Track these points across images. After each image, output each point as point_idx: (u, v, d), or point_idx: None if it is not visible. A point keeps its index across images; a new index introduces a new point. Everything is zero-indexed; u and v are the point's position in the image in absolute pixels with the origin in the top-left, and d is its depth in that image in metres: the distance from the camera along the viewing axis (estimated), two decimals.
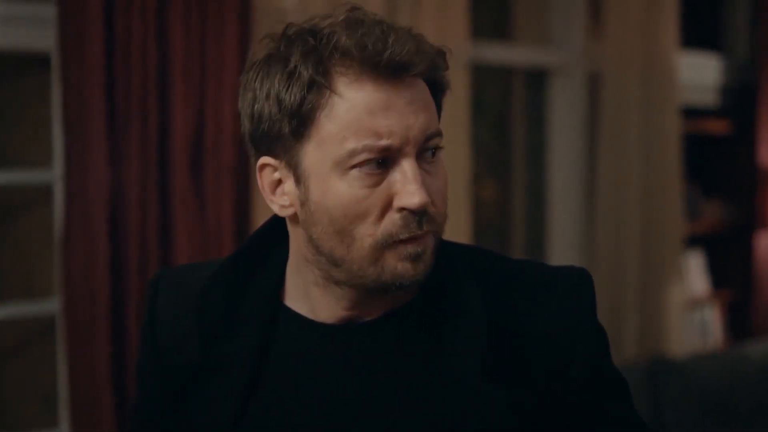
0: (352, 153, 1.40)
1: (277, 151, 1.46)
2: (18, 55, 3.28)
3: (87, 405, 3.04)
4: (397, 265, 1.43)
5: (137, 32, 3.03)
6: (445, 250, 1.53)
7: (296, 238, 1.52)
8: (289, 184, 1.47)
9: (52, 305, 3.24)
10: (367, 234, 1.42)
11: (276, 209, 1.50)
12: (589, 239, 4.98)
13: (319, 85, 1.40)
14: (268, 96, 1.43)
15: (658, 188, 4.98)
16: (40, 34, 3.12)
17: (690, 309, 5.45)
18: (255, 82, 1.45)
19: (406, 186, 1.41)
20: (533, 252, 5.14)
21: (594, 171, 4.93)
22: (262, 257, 1.60)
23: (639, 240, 4.92)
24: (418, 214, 1.42)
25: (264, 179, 1.49)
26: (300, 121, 1.42)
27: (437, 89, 1.49)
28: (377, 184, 1.41)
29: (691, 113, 5.40)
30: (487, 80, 4.92)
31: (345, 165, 1.41)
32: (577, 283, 1.56)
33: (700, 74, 5.58)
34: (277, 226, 1.59)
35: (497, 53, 4.73)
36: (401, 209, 1.42)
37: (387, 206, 1.42)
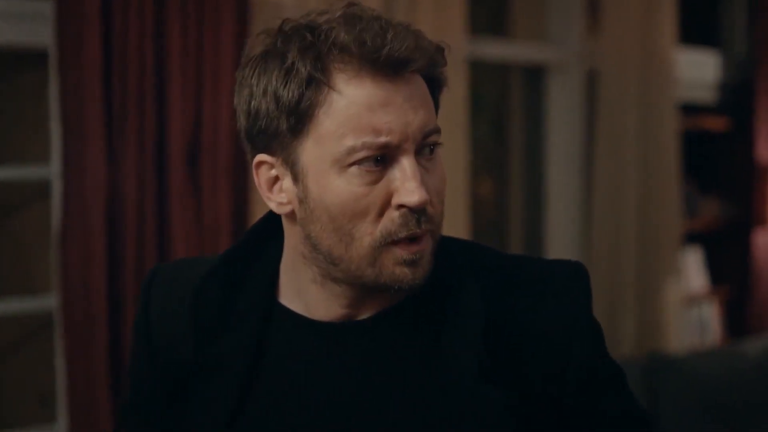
0: (351, 150, 1.39)
1: (274, 148, 1.45)
2: (15, 51, 3.28)
3: (84, 402, 3.04)
4: (395, 269, 1.43)
5: (134, 29, 3.02)
6: (444, 246, 1.52)
7: (293, 235, 1.50)
8: (286, 182, 1.46)
9: (49, 302, 3.23)
10: (367, 233, 1.41)
11: (273, 207, 1.49)
12: (587, 236, 4.98)
13: (318, 82, 1.39)
14: (265, 92, 1.42)
15: (656, 185, 4.98)
16: (37, 31, 3.12)
17: (688, 306, 5.45)
18: (251, 78, 1.44)
19: (406, 183, 1.40)
20: (531, 249, 5.14)
21: (592, 168, 4.92)
22: (257, 253, 1.59)
23: (637, 237, 4.92)
24: (417, 213, 1.41)
25: (261, 176, 1.48)
26: (298, 118, 1.41)
27: (435, 86, 1.48)
28: (376, 181, 1.41)
29: (689, 110, 5.40)
30: (485, 77, 4.92)
31: (344, 162, 1.40)
32: (573, 279, 1.55)
33: (698, 71, 5.58)
34: (273, 221, 1.57)
35: (495, 50, 4.73)
36: (400, 207, 1.41)
37: (386, 204, 1.41)
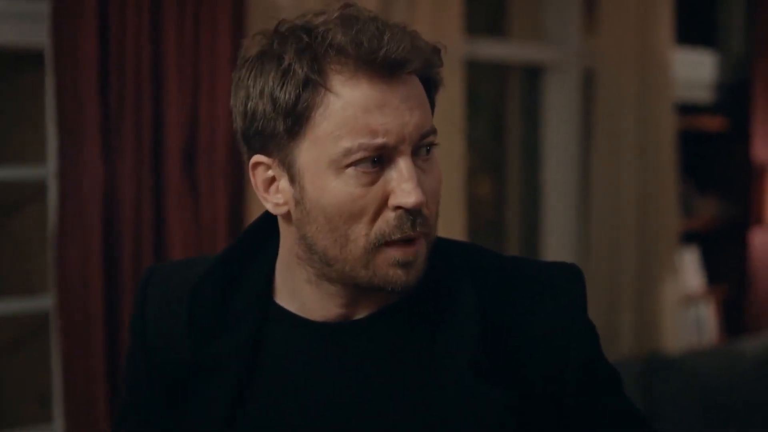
0: (348, 152, 1.39)
1: (271, 150, 1.45)
2: (13, 52, 3.27)
3: (82, 402, 3.03)
4: (388, 270, 1.43)
5: (131, 29, 3.02)
6: (441, 247, 1.53)
7: (288, 235, 1.51)
8: (283, 182, 1.46)
9: (46, 302, 3.23)
10: (362, 234, 1.42)
11: (270, 207, 1.49)
12: (584, 236, 4.98)
13: (315, 83, 1.40)
14: (261, 94, 1.42)
15: (653, 185, 4.98)
16: (35, 31, 3.11)
17: (685, 305, 5.45)
18: (248, 79, 1.44)
19: (402, 185, 1.40)
20: (528, 248, 5.14)
21: (589, 167, 4.93)
22: (253, 253, 1.59)
23: (634, 236, 4.92)
24: (413, 214, 1.41)
25: (257, 177, 1.48)
26: (295, 120, 1.41)
27: (431, 86, 1.48)
28: (373, 182, 1.41)
29: (686, 110, 5.40)
30: (483, 77, 4.92)
31: (340, 164, 1.40)
32: (569, 281, 1.56)
33: (695, 71, 5.58)
34: (270, 220, 1.58)
35: (492, 50, 4.73)
36: (396, 208, 1.41)
37: (382, 205, 1.42)
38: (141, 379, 1.63)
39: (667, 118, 5.01)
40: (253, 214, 3.25)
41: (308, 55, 1.40)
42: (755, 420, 4.80)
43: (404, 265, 1.43)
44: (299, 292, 1.53)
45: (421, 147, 1.43)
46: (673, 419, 4.61)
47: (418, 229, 1.42)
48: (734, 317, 5.82)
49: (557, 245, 5.04)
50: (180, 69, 3.11)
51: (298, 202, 1.45)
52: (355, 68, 1.39)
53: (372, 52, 1.38)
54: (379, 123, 1.39)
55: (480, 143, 4.97)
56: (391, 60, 1.39)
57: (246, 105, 1.44)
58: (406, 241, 1.43)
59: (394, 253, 1.42)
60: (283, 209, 1.48)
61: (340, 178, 1.41)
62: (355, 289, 1.48)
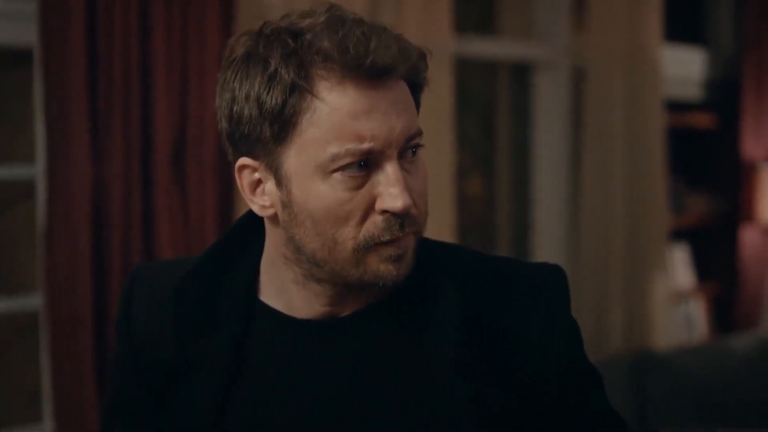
0: (335, 157, 1.40)
1: (257, 153, 1.45)
2: (0, 51, 3.27)
3: (70, 400, 3.03)
4: (379, 266, 1.44)
5: (119, 27, 3.01)
6: (427, 247, 1.53)
7: (275, 236, 1.51)
8: (269, 185, 1.46)
9: (35, 301, 3.22)
10: (349, 237, 1.42)
11: (256, 209, 1.50)
12: (575, 233, 4.99)
13: (301, 90, 1.39)
14: (247, 98, 1.42)
15: (643, 182, 4.99)
16: (22, 30, 3.11)
17: (675, 302, 5.46)
18: (234, 82, 1.43)
19: (390, 189, 1.41)
20: (518, 246, 5.14)
21: (579, 165, 4.93)
22: (239, 251, 1.59)
23: (624, 234, 4.92)
24: (401, 217, 1.42)
25: (243, 179, 1.49)
26: (281, 125, 1.41)
27: (416, 87, 1.48)
28: (360, 186, 1.41)
29: (675, 107, 5.41)
30: (472, 75, 4.91)
31: (327, 168, 1.40)
32: (551, 281, 1.56)
33: (684, 68, 5.59)
34: (255, 218, 1.58)
35: (482, 47, 4.73)
36: (384, 212, 1.42)
37: (369, 209, 1.42)
38: (127, 380, 1.62)
39: (657, 115, 5.02)
40: (242, 212, 3.22)
41: (294, 60, 1.39)
42: (745, 417, 4.80)
43: (396, 259, 1.44)
44: (285, 291, 1.53)
45: (408, 149, 1.44)
46: (663, 416, 4.61)
47: (406, 230, 1.43)
48: (724, 314, 5.83)
49: (547, 242, 5.05)
50: (168, 68, 3.11)
51: (286, 205, 1.45)
52: (342, 74, 1.39)
53: (358, 58, 1.38)
54: (366, 128, 1.39)
55: (470, 141, 4.96)
56: (378, 66, 1.39)
57: (232, 108, 1.44)
58: (395, 240, 1.44)
59: (384, 250, 1.43)
60: (270, 211, 1.48)
61: (327, 183, 1.41)
62: (343, 288, 1.49)
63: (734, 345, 5.16)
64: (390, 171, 1.41)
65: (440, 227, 4.04)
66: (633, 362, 4.64)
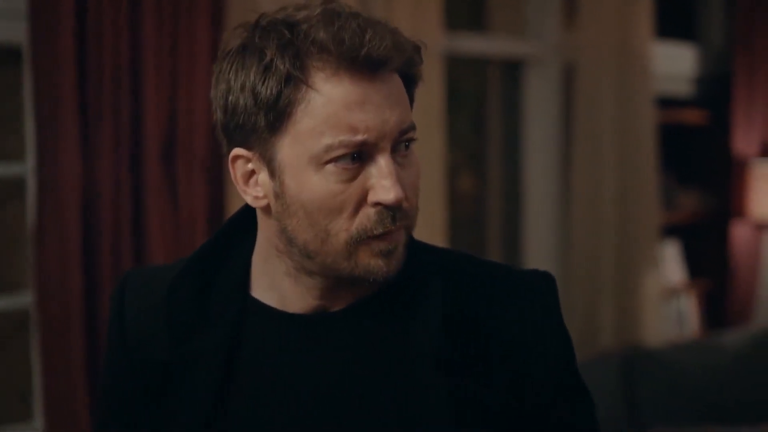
0: (329, 148, 1.40)
1: (251, 143, 1.46)
2: None
3: (61, 399, 3.02)
4: (370, 261, 1.45)
5: (109, 24, 3.01)
6: (418, 247, 1.55)
7: (267, 228, 1.52)
8: (262, 176, 1.47)
9: (26, 299, 3.22)
10: (342, 229, 1.43)
11: (249, 200, 1.50)
12: (565, 230, 4.99)
13: (296, 80, 1.40)
14: (243, 88, 1.42)
15: (634, 178, 4.99)
16: (11, 27, 3.10)
17: (666, 298, 5.46)
18: (229, 72, 1.44)
19: (382, 181, 1.42)
20: (509, 243, 5.14)
21: (570, 161, 4.94)
22: (231, 248, 1.60)
23: (615, 230, 4.93)
24: (393, 210, 1.43)
25: (237, 170, 1.49)
26: (276, 116, 1.41)
27: (410, 82, 1.49)
28: (352, 178, 1.42)
29: (666, 103, 5.41)
30: (463, 72, 4.91)
31: (321, 159, 1.41)
32: (540, 285, 1.57)
33: (675, 64, 5.59)
34: (248, 215, 1.59)
35: (472, 44, 4.73)
36: (376, 204, 1.43)
37: (362, 201, 1.43)
38: (122, 381, 1.62)
39: (648, 112, 5.02)
40: (233, 208, 3.23)
41: (290, 51, 1.40)
42: (736, 413, 4.81)
43: (386, 254, 1.45)
44: (277, 285, 1.54)
45: (401, 143, 1.45)
46: (654, 412, 4.62)
47: (398, 223, 1.44)
48: (715, 310, 5.84)
49: (538, 239, 5.05)
50: (158, 64, 3.10)
51: (278, 195, 1.46)
52: (337, 66, 1.40)
53: (354, 50, 1.39)
54: (360, 120, 1.40)
55: (461, 138, 4.97)
56: (373, 58, 1.40)
57: (227, 98, 1.45)
58: (387, 233, 1.45)
59: (376, 245, 1.44)
60: (263, 202, 1.49)
61: (320, 174, 1.42)
62: (334, 282, 1.50)
63: (725, 341, 5.16)
64: (383, 163, 1.42)
65: (431, 224, 4.04)
66: (624, 358, 4.65)
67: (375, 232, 1.43)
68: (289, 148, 1.42)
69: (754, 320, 5.79)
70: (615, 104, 4.89)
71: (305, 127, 1.41)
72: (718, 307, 5.83)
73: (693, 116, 5.66)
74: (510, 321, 1.52)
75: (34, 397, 3.26)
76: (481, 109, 5.10)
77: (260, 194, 1.48)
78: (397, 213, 1.43)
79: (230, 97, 1.44)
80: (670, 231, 5.62)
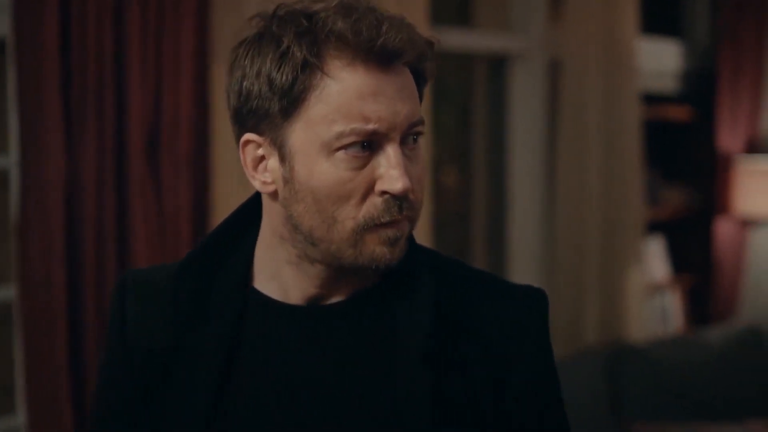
0: (340, 135, 1.44)
1: (263, 129, 1.49)
2: None
3: (44, 392, 3.02)
4: (375, 248, 1.48)
5: (93, 17, 3.00)
6: (416, 247, 1.59)
7: (273, 215, 1.54)
8: (272, 162, 1.50)
9: (9, 292, 3.21)
10: (349, 217, 1.47)
11: (257, 185, 1.53)
12: (550, 225, 5.00)
13: (312, 67, 1.44)
14: (258, 74, 1.46)
15: (619, 174, 5.00)
16: None
17: (650, 294, 5.48)
18: (245, 59, 1.48)
19: (390, 171, 1.45)
20: (494, 239, 5.15)
21: (555, 157, 4.94)
22: (234, 240, 1.63)
23: (600, 226, 4.93)
24: (400, 199, 1.47)
25: (247, 155, 1.52)
26: (290, 101, 1.45)
27: (421, 79, 1.54)
28: (362, 167, 1.46)
29: (651, 99, 5.42)
30: (449, 67, 4.91)
31: (332, 146, 1.45)
32: (532, 299, 1.61)
33: (660, 60, 5.60)
34: (251, 208, 1.62)
35: (458, 39, 4.73)
36: (383, 193, 1.46)
37: (369, 189, 1.47)
38: (121, 381, 1.63)
39: (633, 108, 5.03)
40: (217, 205, 3.25)
41: (308, 39, 1.44)
42: (720, 409, 4.82)
43: (392, 242, 1.48)
44: (279, 273, 1.57)
45: (409, 136, 1.49)
46: (638, 408, 4.63)
47: (404, 213, 1.48)
48: (699, 306, 5.86)
49: (523, 234, 5.05)
50: (143, 58, 3.10)
51: (287, 181, 1.49)
52: (353, 55, 1.44)
53: (370, 41, 1.43)
54: (373, 110, 1.44)
55: (446, 133, 4.97)
56: (389, 50, 1.45)
57: (241, 84, 1.48)
58: (393, 222, 1.48)
59: (383, 231, 1.48)
60: (271, 188, 1.52)
61: (330, 161, 1.45)
62: (335, 271, 1.53)
63: (709, 337, 5.18)
64: (392, 153, 1.46)
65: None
66: (609, 354, 4.66)
67: (382, 220, 1.47)
68: (300, 133, 1.46)
69: (738, 316, 5.81)
70: (600, 100, 4.89)
71: (318, 113, 1.45)
72: (702, 303, 5.85)
73: (678, 112, 5.67)
74: (498, 327, 1.56)
75: (16, 390, 3.25)
76: (467, 104, 5.10)
77: (268, 180, 1.51)
78: (403, 203, 1.47)
79: (245, 83, 1.47)
80: (655, 227, 5.63)
